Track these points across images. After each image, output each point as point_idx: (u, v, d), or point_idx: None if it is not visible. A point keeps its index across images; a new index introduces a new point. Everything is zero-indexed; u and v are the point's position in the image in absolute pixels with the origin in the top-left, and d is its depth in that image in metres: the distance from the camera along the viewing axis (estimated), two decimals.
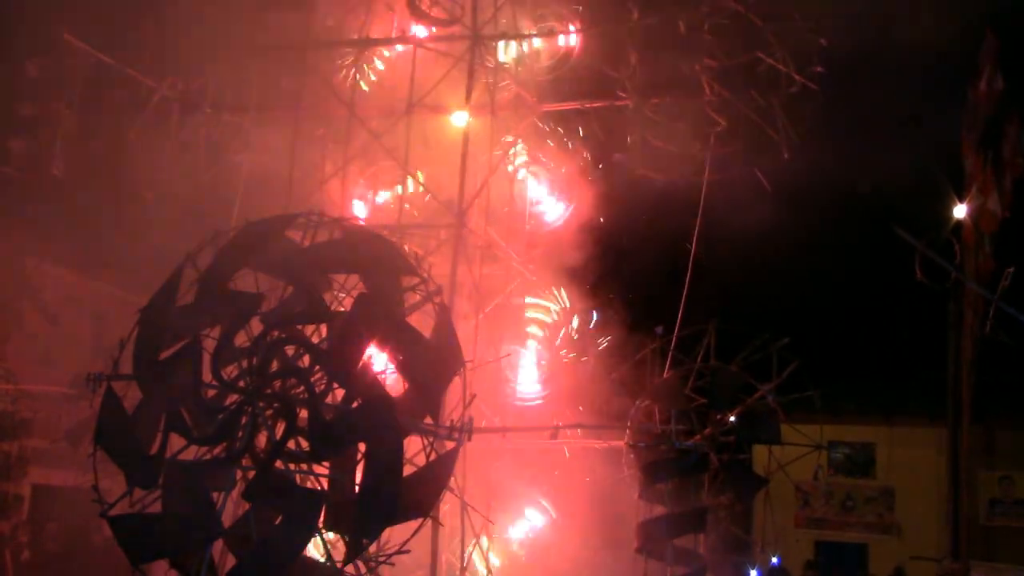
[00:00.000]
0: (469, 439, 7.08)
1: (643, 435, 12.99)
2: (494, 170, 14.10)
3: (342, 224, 7.86)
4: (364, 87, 15.19)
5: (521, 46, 15.23)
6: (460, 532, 12.19)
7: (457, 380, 7.23)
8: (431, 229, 13.77)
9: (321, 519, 6.78)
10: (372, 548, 7.05)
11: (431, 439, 7.12)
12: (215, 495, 6.84)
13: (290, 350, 7.16)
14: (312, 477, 7.17)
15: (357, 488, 6.95)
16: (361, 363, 7.01)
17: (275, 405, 6.96)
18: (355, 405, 6.95)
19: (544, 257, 15.19)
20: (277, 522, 6.83)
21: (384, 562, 7.23)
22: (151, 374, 7.03)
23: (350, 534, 6.87)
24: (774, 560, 17.00)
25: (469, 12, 13.68)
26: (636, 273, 17.91)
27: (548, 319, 15.68)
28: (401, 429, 6.77)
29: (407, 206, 14.42)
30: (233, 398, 6.93)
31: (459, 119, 13.79)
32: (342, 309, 7.48)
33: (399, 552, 7.13)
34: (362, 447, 6.91)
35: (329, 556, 7.16)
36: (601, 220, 15.58)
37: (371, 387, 6.96)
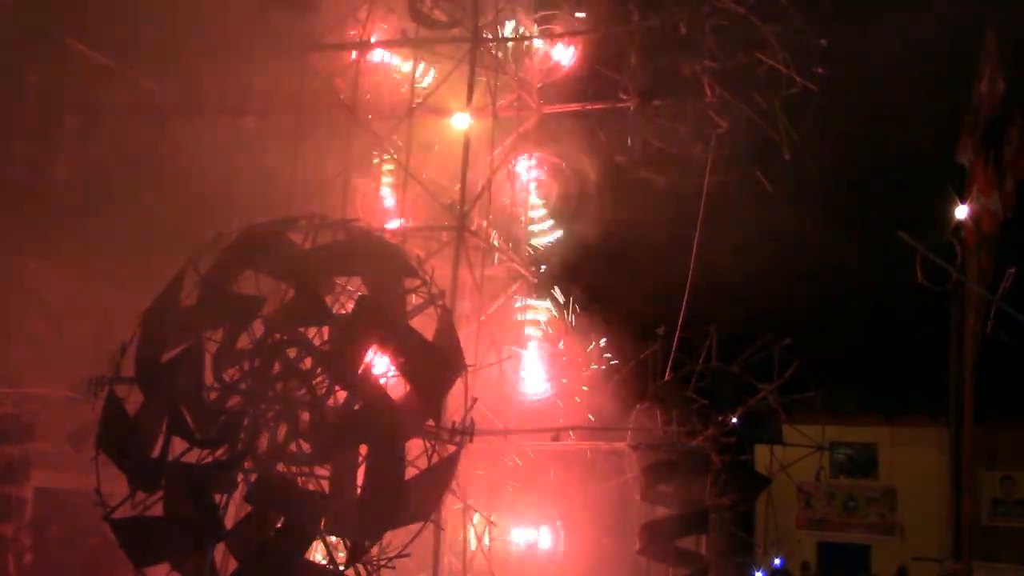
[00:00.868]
0: (471, 441, 7.09)
1: (645, 436, 12.99)
2: (495, 172, 14.10)
3: (344, 226, 7.87)
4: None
5: (522, 48, 15.22)
6: (462, 534, 12.18)
7: (459, 383, 7.24)
8: (433, 231, 13.77)
9: (323, 522, 6.80)
10: (374, 551, 7.07)
11: (433, 442, 7.13)
12: (217, 498, 6.85)
13: (292, 352, 7.17)
14: (314, 480, 7.18)
15: (359, 491, 6.96)
16: (363, 366, 7.03)
17: (277, 407, 6.97)
18: (357, 408, 6.96)
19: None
20: (279, 525, 6.84)
21: (385, 565, 7.24)
22: (153, 377, 7.04)
23: (352, 537, 6.88)
24: (777, 562, 17.01)
25: (470, 15, 13.68)
26: (636, 273, 17.92)
27: (545, 319, 15.64)
28: (403, 432, 6.78)
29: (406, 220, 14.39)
30: (235, 400, 6.94)
31: (460, 121, 13.78)
32: (344, 312, 7.50)
33: (400, 555, 7.14)
34: (364, 450, 6.92)
35: (331, 559, 7.17)
36: (601, 220, 15.56)
37: (373, 390, 6.97)
